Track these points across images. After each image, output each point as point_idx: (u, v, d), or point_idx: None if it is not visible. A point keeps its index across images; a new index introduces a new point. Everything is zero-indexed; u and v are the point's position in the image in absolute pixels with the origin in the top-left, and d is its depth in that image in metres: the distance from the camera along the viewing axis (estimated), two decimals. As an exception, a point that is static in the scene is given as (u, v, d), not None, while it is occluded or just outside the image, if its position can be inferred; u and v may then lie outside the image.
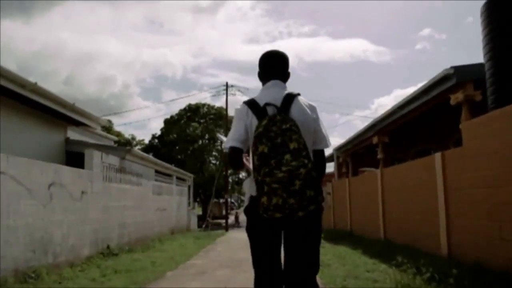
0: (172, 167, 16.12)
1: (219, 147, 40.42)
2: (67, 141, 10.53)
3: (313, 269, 2.32)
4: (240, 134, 2.26)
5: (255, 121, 2.19)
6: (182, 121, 41.44)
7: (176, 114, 42.64)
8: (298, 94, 2.37)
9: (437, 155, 7.03)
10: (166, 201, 15.26)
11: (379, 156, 12.26)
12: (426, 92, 8.17)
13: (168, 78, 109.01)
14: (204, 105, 43.13)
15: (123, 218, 10.22)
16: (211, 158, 42.63)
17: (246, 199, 2.42)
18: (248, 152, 2.34)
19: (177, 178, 17.76)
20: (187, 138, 39.85)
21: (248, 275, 6.58)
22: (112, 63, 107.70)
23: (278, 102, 2.25)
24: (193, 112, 42.32)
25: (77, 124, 10.63)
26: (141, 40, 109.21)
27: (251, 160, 2.17)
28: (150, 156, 12.63)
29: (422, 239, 7.70)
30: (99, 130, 11.80)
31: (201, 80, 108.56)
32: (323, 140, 2.37)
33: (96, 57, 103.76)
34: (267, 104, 2.22)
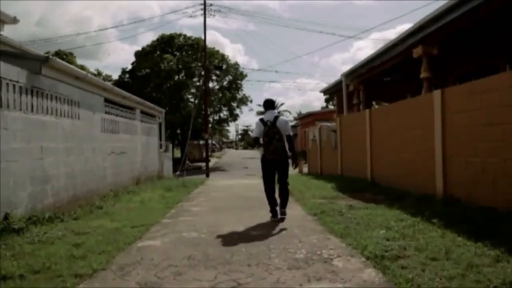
0: (134, 97, 12.15)
1: (197, 83, 36.17)
2: None
3: (285, 179, 6.21)
4: (259, 132, 6.25)
5: (262, 127, 6.15)
6: (155, 54, 36.57)
7: (148, 46, 37.70)
8: (281, 115, 6.93)
9: None
10: (126, 141, 11.50)
11: (423, 75, 8.65)
12: None
13: (145, 20, 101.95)
14: (179, 35, 38.18)
15: (42, 168, 6.49)
16: (189, 96, 38.36)
17: (260, 155, 6.43)
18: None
19: (143, 113, 13.89)
20: (161, 74, 35.25)
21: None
22: (88, 4, 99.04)
23: (271, 119, 6.13)
24: (166, 43, 37.38)
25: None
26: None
27: (262, 142, 6.19)
28: (90, 75, 8.64)
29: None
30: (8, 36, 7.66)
31: (180, 21, 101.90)
32: (289, 132, 6.20)
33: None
34: (267, 120, 6.14)
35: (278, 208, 6.16)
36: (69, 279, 3.48)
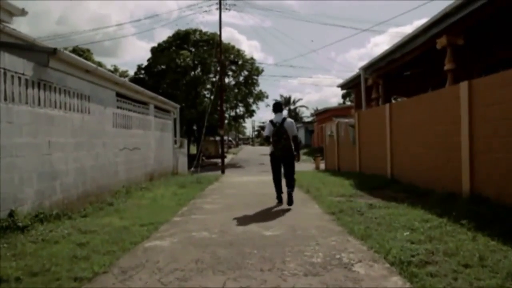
0: (147, 91, 11.93)
1: (213, 79, 35.91)
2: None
3: (292, 173, 7.29)
4: (269, 131, 7.31)
5: (272, 128, 7.23)
6: (171, 50, 36.46)
7: (164, 42, 37.61)
8: (287, 118, 7.41)
9: None
10: (140, 137, 11.33)
11: (447, 66, 8.18)
12: None
13: (163, 17, 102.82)
14: (195, 31, 37.94)
15: (50, 163, 6.30)
16: (205, 92, 38.16)
17: (269, 152, 7.58)
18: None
19: (157, 108, 13.69)
20: (177, 69, 35.15)
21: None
22: (106, 3, 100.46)
23: (280, 121, 7.18)
24: (182, 39, 37.21)
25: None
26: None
27: (271, 140, 7.24)
28: (101, 69, 8.41)
29: None
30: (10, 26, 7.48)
31: (198, 18, 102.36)
32: (295, 133, 7.46)
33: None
34: (276, 122, 7.20)
35: (283, 195, 7.45)
36: (67, 283, 3.25)
